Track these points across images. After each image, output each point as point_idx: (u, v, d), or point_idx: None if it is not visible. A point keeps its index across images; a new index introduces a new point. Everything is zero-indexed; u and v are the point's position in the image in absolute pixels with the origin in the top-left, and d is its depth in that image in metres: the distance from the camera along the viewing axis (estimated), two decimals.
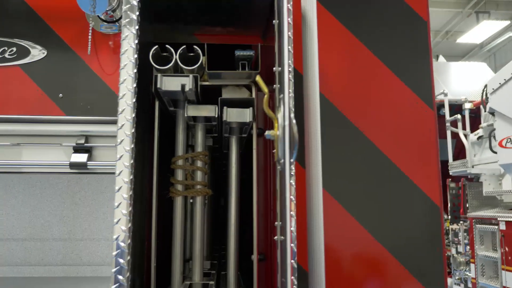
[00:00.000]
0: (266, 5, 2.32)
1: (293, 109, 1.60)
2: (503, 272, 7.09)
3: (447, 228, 8.62)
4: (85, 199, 3.35)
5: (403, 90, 2.06)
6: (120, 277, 1.76)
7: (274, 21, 2.05)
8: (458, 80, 9.56)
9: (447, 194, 8.88)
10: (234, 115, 2.21)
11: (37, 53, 2.46)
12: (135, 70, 1.90)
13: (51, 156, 2.47)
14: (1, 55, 2.44)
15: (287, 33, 1.60)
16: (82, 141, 2.46)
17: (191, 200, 2.50)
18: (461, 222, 8.66)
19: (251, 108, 2.24)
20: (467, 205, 8.75)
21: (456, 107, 9.05)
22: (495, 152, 7.44)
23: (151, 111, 2.39)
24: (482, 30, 14.75)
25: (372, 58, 2.06)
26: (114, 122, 2.32)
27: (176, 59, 2.24)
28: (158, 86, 2.11)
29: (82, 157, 2.42)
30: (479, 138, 8.25)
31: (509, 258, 6.98)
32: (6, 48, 2.45)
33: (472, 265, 8.09)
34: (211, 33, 2.68)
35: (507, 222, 7.07)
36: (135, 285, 1.89)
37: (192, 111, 2.30)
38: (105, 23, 2.49)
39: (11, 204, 3.30)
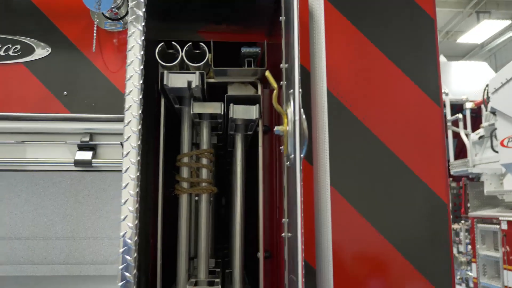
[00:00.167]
0: (271, 2, 2.32)
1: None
2: (505, 272, 7.09)
3: None
4: (88, 198, 3.35)
5: (410, 87, 2.06)
6: (127, 274, 1.76)
7: (280, 18, 2.05)
8: (459, 80, 9.55)
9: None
10: (240, 112, 2.20)
11: (41, 50, 2.45)
12: (142, 67, 1.90)
13: (55, 154, 2.46)
14: (5, 53, 2.44)
15: (297, 29, 1.60)
16: (87, 139, 2.46)
17: (196, 198, 2.49)
18: (462, 221, 8.66)
19: (257, 105, 2.23)
20: (468, 205, 8.75)
21: (457, 107, 9.06)
22: (497, 152, 7.44)
23: (156, 108, 2.38)
24: (483, 30, 14.77)
25: (379, 55, 2.06)
26: (119, 120, 2.33)
27: (182, 56, 2.24)
28: (165, 83, 2.11)
29: (87, 155, 2.42)
30: (480, 137, 8.26)
31: (511, 257, 6.98)
32: (10, 46, 2.45)
33: (474, 265, 8.09)
34: (216, 30, 2.68)
35: (508, 222, 7.07)
36: (141, 282, 1.89)
37: (198, 108, 2.29)
38: (110, 21, 2.48)
39: (14, 203, 3.30)
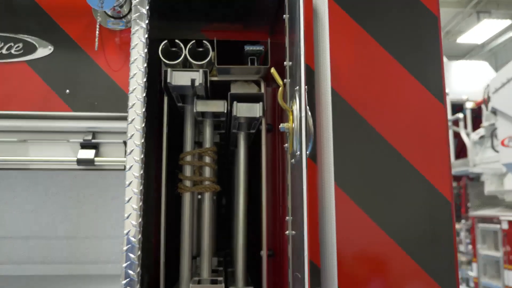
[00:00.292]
0: (274, 1, 2.32)
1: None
2: (505, 271, 7.10)
3: None
4: (89, 197, 3.35)
5: (414, 85, 2.05)
6: (130, 272, 1.76)
7: (284, 15, 2.05)
8: (460, 80, 9.57)
9: None
10: (244, 110, 2.20)
11: (43, 49, 2.45)
12: (145, 65, 1.90)
13: (58, 152, 2.46)
14: (8, 51, 2.43)
15: (302, 26, 1.60)
16: (89, 137, 2.45)
17: (199, 196, 2.49)
18: (463, 221, 8.67)
19: (260, 103, 2.23)
20: (469, 204, 8.76)
21: (458, 107, 9.07)
22: (497, 151, 7.45)
23: (158, 107, 2.38)
24: (483, 30, 14.79)
25: (383, 53, 2.06)
26: (122, 118, 2.33)
27: (185, 54, 2.24)
28: (168, 80, 2.11)
29: (89, 154, 2.41)
30: (480, 137, 8.27)
31: (511, 257, 6.99)
32: (12, 44, 2.44)
33: (474, 264, 8.10)
34: (218, 29, 2.68)
35: (509, 221, 7.09)
36: (144, 281, 1.88)
37: (201, 106, 2.29)
38: (112, 19, 2.48)
39: (15, 202, 3.30)
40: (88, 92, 2.39)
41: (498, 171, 7.78)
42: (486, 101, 7.61)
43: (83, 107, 2.39)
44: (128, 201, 1.80)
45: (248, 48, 2.35)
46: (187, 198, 2.38)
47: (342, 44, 2.05)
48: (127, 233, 1.79)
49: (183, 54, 2.25)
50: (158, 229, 2.31)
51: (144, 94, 1.87)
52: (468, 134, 8.65)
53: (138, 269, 1.76)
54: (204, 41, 2.30)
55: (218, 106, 2.30)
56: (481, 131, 8.22)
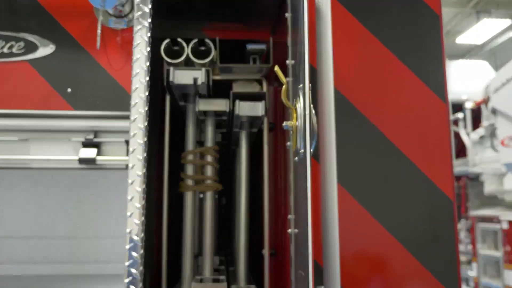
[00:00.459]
0: (275, 0, 2.32)
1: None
2: (505, 271, 7.10)
3: None
4: (90, 196, 3.34)
5: (416, 84, 2.06)
6: (133, 270, 1.76)
7: (286, 14, 2.05)
8: (459, 79, 9.58)
9: None
10: (246, 109, 2.20)
11: (45, 48, 2.44)
12: (148, 63, 1.90)
13: (59, 151, 2.46)
14: (9, 50, 2.43)
15: (306, 24, 1.60)
16: (91, 136, 2.45)
17: (201, 195, 2.49)
18: (463, 221, 8.68)
19: (263, 101, 2.24)
20: (468, 204, 8.77)
21: (457, 106, 9.08)
22: (497, 151, 7.46)
23: (160, 106, 2.38)
24: (483, 29, 14.79)
25: (385, 51, 2.06)
26: (123, 117, 2.33)
27: (188, 53, 2.24)
28: (171, 79, 2.11)
29: (91, 153, 2.41)
30: (480, 137, 8.28)
31: (511, 257, 6.99)
32: (14, 43, 2.44)
33: (474, 264, 8.11)
34: (219, 28, 2.68)
35: (509, 221, 7.09)
36: (146, 280, 1.88)
37: (203, 105, 2.29)
38: (114, 18, 2.48)
39: (15, 202, 3.29)
40: (90, 91, 2.39)
41: (498, 171, 7.79)
42: (486, 101, 7.62)
43: (84, 106, 2.39)
44: (131, 199, 1.80)
45: (250, 47, 2.36)
46: (189, 197, 2.37)
47: (344, 43, 2.05)
48: (129, 232, 1.79)
49: (185, 53, 2.25)
50: (160, 228, 2.31)
51: (147, 93, 1.87)
52: (468, 134, 8.66)
53: (141, 268, 1.76)
54: (207, 40, 2.30)
55: (220, 105, 2.30)
56: (481, 131, 8.23)
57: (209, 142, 2.43)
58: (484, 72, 9.91)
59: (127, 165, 2.31)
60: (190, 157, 2.38)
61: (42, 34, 2.45)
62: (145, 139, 1.84)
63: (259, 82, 2.45)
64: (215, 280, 2.26)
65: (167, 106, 2.41)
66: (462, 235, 8.64)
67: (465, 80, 9.57)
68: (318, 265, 1.90)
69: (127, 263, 1.76)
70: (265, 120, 2.37)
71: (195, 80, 2.11)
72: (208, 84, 2.21)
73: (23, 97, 2.37)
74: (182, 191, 2.39)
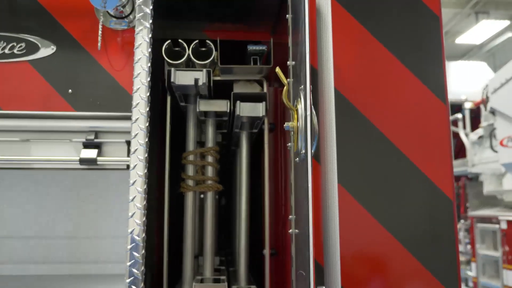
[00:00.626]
0: (275, 1, 2.33)
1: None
2: (504, 271, 7.12)
3: None
4: (90, 197, 3.34)
5: (416, 85, 2.07)
6: (135, 270, 1.76)
7: (287, 15, 2.06)
8: (458, 80, 9.60)
9: None
10: (247, 110, 2.21)
11: (46, 48, 2.45)
12: (149, 64, 1.91)
13: (60, 152, 2.46)
14: (10, 51, 2.43)
15: (307, 26, 1.62)
16: (92, 137, 2.45)
17: (201, 196, 2.50)
18: (462, 221, 8.69)
19: (263, 102, 2.25)
20: (468, 204, 8.79)
21: (456, 107, 9.10)
22: (496, 151, 7.48)
23: (161, 106, 2.39)
24: (482, 30, 14.81)
25: (385, 52, 2.07)
26: (124, 118, 2.33)
27: (189, 54, 2.25)
28: (172, 80, 2.12)
29: (92, 153, 2.41)
30: (479, 137, 8.29)
31: (510, 257, 7.01)
32: (15, 44, 2.44)
33: (473, 264, 8.12)
34: (219, 29, 2.69)
35: (508, 221, 7.11)
36: (147, 280, 1.89)
37: (204, 106, 2.30)
38: (115, 19, 2.48)
39: (15, 202, 3.29)
40: (91, 91, 2.39)
41: (497, 171, 7.81)
42: (484, 101, 7.64)
43: (85, 106, 2.39)
44: (132, 200, 1.81)
45: (250, 48, 2.37)
46: (189, 197, 2.38)
47: (345, 44, 2.06)
48: (131, 232, 1.79)
49: (186, 54, 2.26)
50: (161, 228, 2.32)
51: (148, 94, 1.88)
52: (467, 135, 8.68)
53: (142, 268, 1.77)
54: (207, 41, 2.31)
55: (221, 105, 2.31)
56: (480, 131, 8.25)
57: (210, 143, 2.44)
58: (483, 72, 9.94)
59: (127, 166, 2.33)
60: (191, 157, 2.39)
61: (43, 35, 2.45)
62: (146, 139, 1.85)
63: (260, 83, 2.46)
64: (216, 280, 2.27)
65: (168, 107, 2.42)
66: (461, 235, 8.66)
67: (464, 80, 9.59)
68: (318, 265, 1.91)
69: (128, 263, 1.77)
70: (266, 121, 2.38)
71: (196, 81, 2.12)
72: (209, 84, 2.22)
73: (24, 98, 2.37)
74: (182, 191, 2.40)
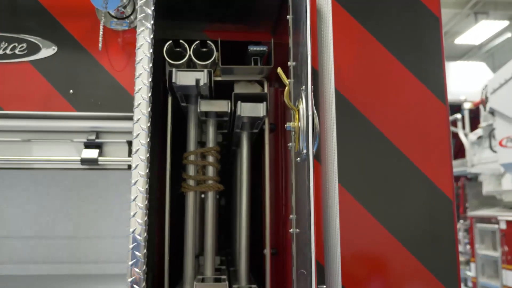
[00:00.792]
0: (275, 2, 2.34)
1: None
2: (504, 271, 7.13)
3: None
4: (90, 197, 3.35)
5: (416, 85, 2.08)
6: (136, 270, 1.77)
7: (288, 16, 2.07)
8: (457, 80, 9.61)
9: None
10: (247, 110, 2.22)
11: (47, 49, 2.46)
12: (150, 65, 1.92)
13: (61, 152, 2.47)
14: (12, 51, 2.44)
15: (309, 28, 1.63)
16: (93, 137, 2.46)
17: (202, 196, 2.51)
18: (461, 221, 8.71)
19: (264, 103, 2.26)
20: (467, 205, 8.80)
21: (455, 107, 9.11)
22: (495, 152, 7.49)
23: (162, 107, 2.40)
24: (481, 31, 14.84)
25: (385, 53, 2.08)
26: (125, 118, 2.34)
27: (190, 54, 2.26)
28: (173, 80, 2.13)
29: (93, 153, 2.42)
30: (478, 138, 8.31)
31: (509, 257, 7.02)
32: (16, 44, 2.45)
33: (472, 264, 8.13)
34: (220, 29, 2.70)
35: (507, 221, 7.12)
36: (148, 279, 1.90)
37: (205, 106, 2.31)
38: (115, 20, 2.49)
39: (16, 202, 3.30)
40: (92, 92, 2.40)
41: (496, 171, 7.82)
42: (484, 101, 7.65)
43: (86, 107, 2.40)
44: (134, 199, 1.81)
45: (251, 48, 2.38)
46: (190, 197, 2.39)
47: (345, 45, 2.07)
48: (133, 232, 1.80)
49: (187, 55, 2.27)
50: (162, 228, 2.33)
51: (150, 94, 1.88)
52: (466, 135, 8.70)
53: (144, 267, 1.78)
54: (208, 42, 2.33)
55: (222, 106, 2.32)
56: (479, 132, 8.27)
57: (211, 143, 2.45)
58: (482, 73, 9.96)
59: (128, 166, 2.34)
60: (192, 157, 2.40)
61: (44, 35, 2.46)
62: (148, 139, 1.85)
63: (260, 83, 2.48)
64: (217, 280, 2.28)
65: (169, 107, 2.43)
66: (461, 235, 8.67)
67: (463, 81, 9.61)
68: (319, 265, 1.92)
69: (130, 263, 1.78)
70: (266, 121, 2.39)
71: (197, 81, 2.13)
72: (210, 85, 2.23)
73: (25, 98, 2.38)
74: (183, 191, 2.41)
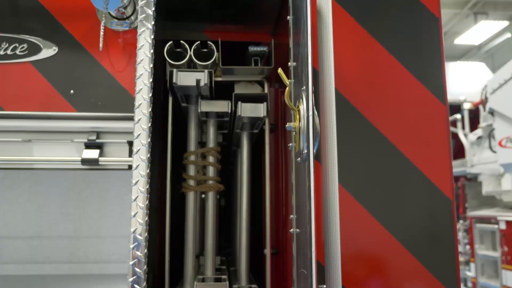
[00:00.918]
0: (275, 2, 2.35)
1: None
2: (503, 271, 7.13)
3: None
4: (91, 197, 3.36)
5: (416, 86, 2.08)
6: (137, 269, 1.77)
7: (288, 17, 2.07)
8: (457, 81, 9.62)
9: None
10: (248, 110, 2.23)
11: (48, 49, 2.46)
12: (151, 65, 1.92)
13: (62, 152, 2.47)
14: (12, 52, 2.45)
15: (309, 28, 1.63)
16: (94, 137, 2.47)
17: (203, 196, 2.52)
18: (461, 221, 8.71)
19: (264, 103, 2.26)
20: (467, 205, 8.80)
21: (455, 108, 9.12)
22: (495, 152, 7.50)
23: (163, 107, 2.41)
24: (480, 31, 14.85)
25: (385, 54, 2.09)
26: (125, 119, 2.35)
27: (190, 55, 2.27)
28: (174, 81, 2.13)
29: (93, 153, 2.43)
30: (478, 138, 8.32)
31: (509, 257, 7.03)
32: (17, 45, 2.46)
33: (472, 264, 8.14)
34: (221, 30, 2.71)
35: (507, 221, 7.12)
36: (149, 279, 1.90)
37: (206, 106, 2.32)
38: (116, 20, 2.50)
39: (17, 202, 3.31)
40: (92, 92, 2.41)
41: (495, 171, 7.83)
42: (483, 102, 7.66)
43: (87, 107, 2.41)
44: (135, 199, 1.82)
45: (251, 49, 2.38)
46: (191, 197, 2.40)
47: (345, 46, 2.08)
48: (133, 231, 1.81)
49: (188, 55, 2.28)
50: (163, 228, 2.33)
51: (150, 94, 1.89)
52: (466, 135, 8.71)
53: (145, 267, 1.78)
54: (209, 42, 2.33)
55: (223, 106, 2.33)
56: (478, 132, 8.27)
57: (211, 143, 2.45)
58: (481, 73, 9.96)
59: (129, 166, 2.35)
60: (192, 157, 2.41)
61: (45, 36, 2.47)
62: (149, 139, 1.86)
63: (261, 84, 2.48)
64: (217, 280, 2.29)
65: (170, 108, 2.44)
66: (460, 235, 8.68)
67: (463, 81, 9.62)
68: (319, 264, 1.92)
69: (131, 263, 1.78)
70: (267, 121, 2.40)
71: (198, 81, 2.14)
72: (211, 85, 2.24)
73: (26, 99, 2.39)
74: (184, 191, 2.42)
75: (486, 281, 7.82)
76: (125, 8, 2.44)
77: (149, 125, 1.88)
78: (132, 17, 2.46)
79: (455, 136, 8.88)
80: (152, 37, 1.95)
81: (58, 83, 2.40)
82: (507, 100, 6.87)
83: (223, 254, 3.19)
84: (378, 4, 2.13)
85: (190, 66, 2.38)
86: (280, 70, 1.74)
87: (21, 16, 2.49)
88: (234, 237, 3.15)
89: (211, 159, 2.44)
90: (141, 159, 1.85)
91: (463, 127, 8.82)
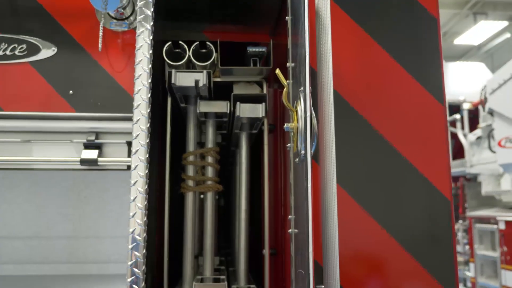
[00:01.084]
0: (275, 3, 2.35)
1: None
2: (503, 271, 7.14)
3: None
4: (90, 197, 3.36)
5: (415, 86, 2.09)
6: (136, 270, 1.78)
7: (287, 17, 2.08)
8: (456, 81, 9.62)
9: None
10: (247, 111, 2.23)
11: (47, 50, 2.46)
12: (150, 66, 1.92)
13: (61, 153, 2.47)
14: (12, 52, 2.45)
15: (307, 29, 1.64)
16: (93, 137, 2.47)
17: (201, 196, 2.52)
18: (460, 221, 8.72)
19: (263, 103, 2.27)
20: (466, 205, 8.81)
21: (455, 108, 9.13)
22: (494, 152, 7.50)
23: (161, 107, 2.41)
24: (480, 31, 14.85)
25: (383, 54, 2.09)
26: (124, 119, 2.35)
27: (189, 55, 2.27)
28: (173, 81, 2.14)
29: (92, 154, 2.43)
30: (477, 138, 8.32)
31: (508, 257, 7.03)
32: (16, 45, 2.46)
33: (472, 265, 8.14)
34: (219, 30, 2.71)
35: (506, 222, 7.13)
36: (147, 279, 1.91)
37: (204, 107, 2.32)
38: (115, 20, 2.50)
39: (15, 202, 3.31)
40: (91, 93, 2.41)
41: (495, 171, 7.83)
42: (483, 102, 7.66)
43: (86, 107, 2.41)
44: (134, 200, 1.82)
45: (250, 49, 2.39)
46: (189, 197, 2.40)
47: (344, 46, 2.08)
48: (132, 232, 1.81)
49: (186, 55, 2.29)
50: (162, 228, 2.34)
51: (149, 95, 1.89)
52: (465, 135, 8.71)
53: (143, 267, 1.79)
54: (208, 43, 2.34)
55: (221, 106, 2.33)
56: (478, 132, 8.28)
57: (210, 143, 2.46)
58: (481, 73, 9.97)
59: (128, 166, 2.35)
60: (191, 158, 2.41)
61: (44, 36, 2.46)
62: (148, 140, 1.86)
63: (259, 84, 2.49)
64: (216, 280, 2.29)
65: (169, 108, 2.44)
66: (460, 235, 8.68)
67: (462, 81, 9.62)
68: (318, 265, 1.93)
69: (129, 263, 1.78)
70: (265, 122, 2.40)
71: (197, 82, 2.15)
72: (209, 86, 2.24)
73: (25, 99, 2.39)
74: (183, 192, 2.42)
75: (485, 281, 7.82)
76: (124, 8, 2.44)
77: (148, 125, 1.88)
78: (131, 18, 2.46)
79: (455, 136, 8.89)
80: (151, 37, 1.95)
81: (57, 83, 2.40)
82: (507, 100, 6.87)
83: (222, 254, 3.19)
84: (377, 5, 2.14)
85: (189, 66, 2.38)
86: (278, 71, 1.74)
87: (20, 17, 2.49)
88: (233, 238, 3.15)
89: (210, 159, 2.44)
90: (140, 160, 1.86)
91: (463, 127, 8.83)
